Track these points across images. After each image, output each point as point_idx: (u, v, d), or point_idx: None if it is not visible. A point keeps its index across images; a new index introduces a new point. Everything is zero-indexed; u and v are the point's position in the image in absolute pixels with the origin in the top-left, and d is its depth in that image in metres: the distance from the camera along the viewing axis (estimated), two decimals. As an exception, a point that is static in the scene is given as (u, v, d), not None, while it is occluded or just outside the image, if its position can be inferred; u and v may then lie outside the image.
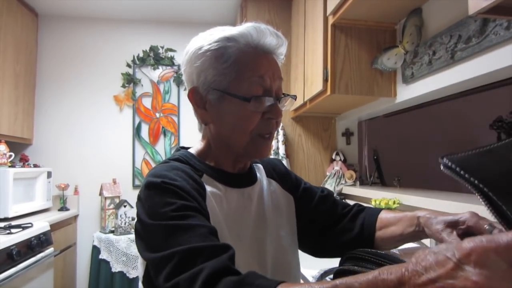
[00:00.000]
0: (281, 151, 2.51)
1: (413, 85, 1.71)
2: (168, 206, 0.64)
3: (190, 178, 0.72)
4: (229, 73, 0.75)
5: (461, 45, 1.37)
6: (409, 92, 1.75)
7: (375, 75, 1.86)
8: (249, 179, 0.86)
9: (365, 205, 2.27)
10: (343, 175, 2.57)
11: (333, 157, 2.65)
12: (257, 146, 0.79)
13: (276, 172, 0.95)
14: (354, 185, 2.51)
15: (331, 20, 1.81)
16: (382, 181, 2.51)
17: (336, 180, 2.56)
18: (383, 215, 0.87)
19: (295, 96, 0.87)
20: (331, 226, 0.90)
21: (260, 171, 0.91)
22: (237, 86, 0.75)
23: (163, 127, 3.38)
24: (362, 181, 2.58)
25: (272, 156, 2.22)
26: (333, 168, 2.62)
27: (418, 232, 0.77)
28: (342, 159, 2.61)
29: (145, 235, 0.65)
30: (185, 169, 0.74)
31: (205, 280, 0.52)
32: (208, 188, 0.75)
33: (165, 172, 0.70)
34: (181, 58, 0.84)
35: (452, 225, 0.70)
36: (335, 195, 2.47)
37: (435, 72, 1.53)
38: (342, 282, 0.45)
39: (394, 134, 3.02)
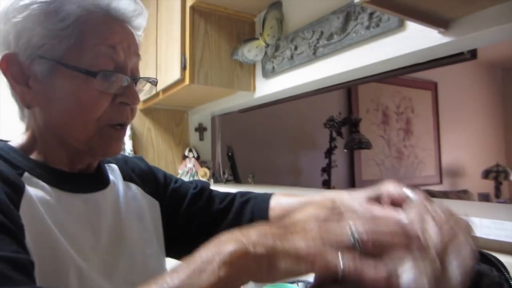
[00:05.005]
0: (128, 147, 2.19)
1: (273, 80, 1.67)
2: None
3: None
4: (67, 37, 0.51)
5: (323, 41, 1.38)
6: (269, 87, 1.71)
7: (235, 67, 1.76)
8: (96, 182, 0.62)
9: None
10: (197, 172, 2.43)
11: (186, 153, 2.47)
12: (106, 140, 0.57)
13: (136, 172, 0.73)
14: (208, 183, 2.39)
15: (189, 2, 1.62)
16: (236, 178, 2.47)
17: (189, 179, 2.40)
18: (277, 202, 0.74)
19: (156, 80, 0.67)
20: (212, 225, 0.75)
21: (115, 173, 0.68)
22: (77, 55, 0.52)
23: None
24: (216, 179, 2.48)
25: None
26: (186, 166, 2.45)
27: None
28: (195, 156, 2.46)
29: None
30: None
31: None
32: (32, 191, 0.50)
33: None
34: None
35: (375, 201, 0.52)
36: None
37: (297, 67, 1.51)
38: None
39: (247, 130, 3.03)
